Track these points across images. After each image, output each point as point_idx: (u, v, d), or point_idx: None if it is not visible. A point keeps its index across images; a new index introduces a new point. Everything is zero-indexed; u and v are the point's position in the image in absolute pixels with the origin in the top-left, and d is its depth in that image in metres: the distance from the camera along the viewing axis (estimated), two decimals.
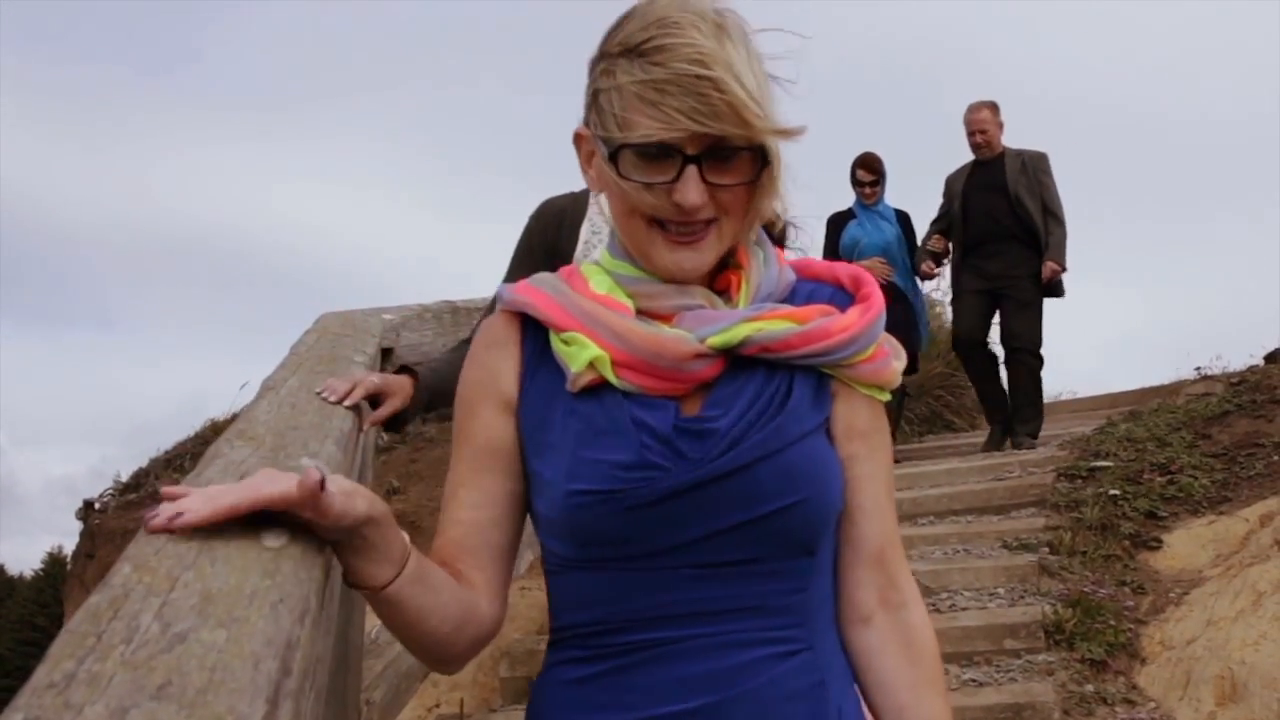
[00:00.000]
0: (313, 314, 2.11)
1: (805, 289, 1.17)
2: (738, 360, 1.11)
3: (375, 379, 1.77)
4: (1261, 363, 6.54)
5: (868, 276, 1.18)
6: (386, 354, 2.15)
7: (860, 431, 1.14)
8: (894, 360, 1.15)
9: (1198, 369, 6.90)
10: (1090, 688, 3.56)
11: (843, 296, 1.16)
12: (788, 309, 1.12)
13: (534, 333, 1.15)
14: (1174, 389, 6.86)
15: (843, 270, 1.19)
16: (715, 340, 1.08)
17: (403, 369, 1.94)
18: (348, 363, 1.63)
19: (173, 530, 0.88)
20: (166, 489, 0.93)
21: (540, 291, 1.14)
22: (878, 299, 1.15)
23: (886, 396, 1.16)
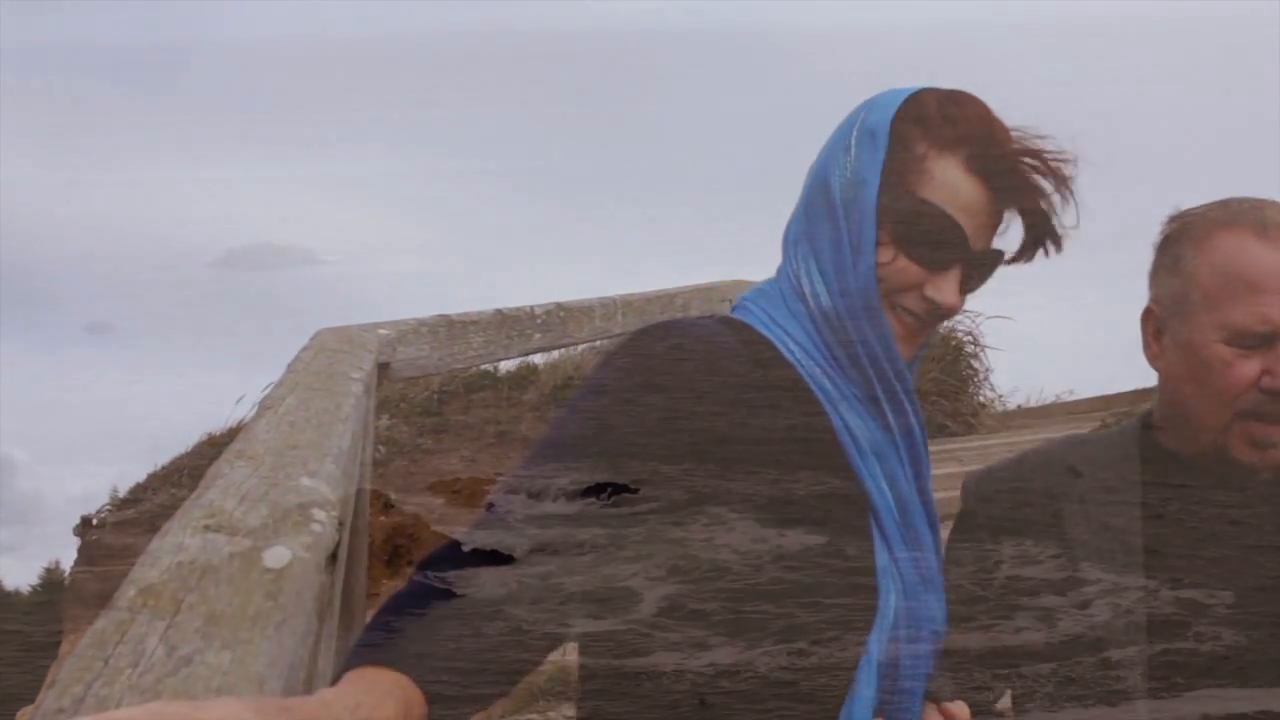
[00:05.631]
0: (311, 328, 2.10)
1: None
2: None
3: None
4: None
5: None
6: (383, 369, 2.16)
7: None
8: None
9: None
10: None
11: None
12: None
13: None
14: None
15: None
16: None
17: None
18: (345, 379, 1.64)
19: None
20: None
21: None
22: None
23: None
